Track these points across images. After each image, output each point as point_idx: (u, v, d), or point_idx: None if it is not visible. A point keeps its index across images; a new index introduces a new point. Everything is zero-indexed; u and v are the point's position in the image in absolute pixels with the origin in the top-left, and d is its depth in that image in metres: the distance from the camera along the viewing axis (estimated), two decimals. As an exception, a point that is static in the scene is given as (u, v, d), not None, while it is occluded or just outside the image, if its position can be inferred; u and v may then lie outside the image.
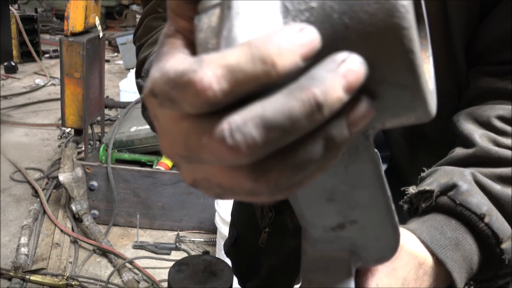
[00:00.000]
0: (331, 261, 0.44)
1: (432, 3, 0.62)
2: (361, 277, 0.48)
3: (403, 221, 0.58)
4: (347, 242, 0.42)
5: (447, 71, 0.69)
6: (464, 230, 0.56)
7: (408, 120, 0.32)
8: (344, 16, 0.28)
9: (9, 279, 2.29)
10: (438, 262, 0.54)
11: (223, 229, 2.10)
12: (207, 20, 0.31)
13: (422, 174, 0.62)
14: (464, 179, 0.57)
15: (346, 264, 0.44)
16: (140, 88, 0.65)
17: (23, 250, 2.42)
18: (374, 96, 0.30)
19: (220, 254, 2.15)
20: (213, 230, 2.59)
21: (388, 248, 0.43)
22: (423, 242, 0.54)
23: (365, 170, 0.37)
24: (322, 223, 0.41)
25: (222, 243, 1.26)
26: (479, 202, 0.56)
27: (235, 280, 1.24)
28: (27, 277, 2.26)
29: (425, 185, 0.59)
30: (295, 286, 1.17)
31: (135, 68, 0.71)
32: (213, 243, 2.61)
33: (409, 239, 0.54)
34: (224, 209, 2.11)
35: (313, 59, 0.27)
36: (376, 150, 0.36)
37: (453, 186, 0.57)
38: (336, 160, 0.29)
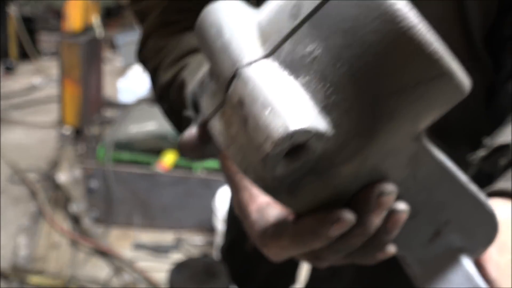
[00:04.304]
0: (445, 269, 0.42)
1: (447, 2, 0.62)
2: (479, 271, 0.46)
3: None
4: (450, 244, 0.41)
5: (472, 68, 0.69)
6: None
7: (452, 103, 0.32)
8: (353, 47, 0.28)
9: (8, 279, 2.29)
10: None
11: (223, 231, 2.10)
12: (218, 123, 0.34)
13: (485, 140, 0.60)
14: None
15: (460, 264, 0.42)
16: (171, 110, 0.66)
17: (22, 251, 2.42)
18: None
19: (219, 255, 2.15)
20: (213, 231, 2.58)
21: (491, 227, 0.42)
22: None
23: (433, 171, 0.36)
24: (417, 242, 0.40)
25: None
26: None
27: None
28: (26, 278, 2.25)
29: (499, 142, 0.56)
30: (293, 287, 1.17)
31: (156, 92, 0.69)
32: (213, 244, 2.61)
33: (497, 207, 0.50)
34: (223, 210, 2.10)
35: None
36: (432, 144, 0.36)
37: None
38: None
